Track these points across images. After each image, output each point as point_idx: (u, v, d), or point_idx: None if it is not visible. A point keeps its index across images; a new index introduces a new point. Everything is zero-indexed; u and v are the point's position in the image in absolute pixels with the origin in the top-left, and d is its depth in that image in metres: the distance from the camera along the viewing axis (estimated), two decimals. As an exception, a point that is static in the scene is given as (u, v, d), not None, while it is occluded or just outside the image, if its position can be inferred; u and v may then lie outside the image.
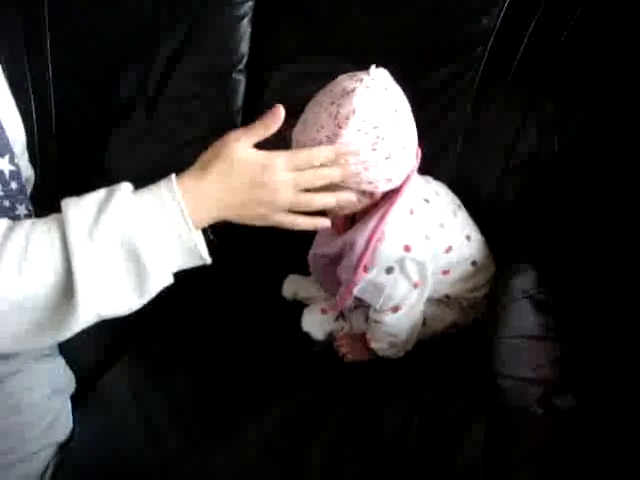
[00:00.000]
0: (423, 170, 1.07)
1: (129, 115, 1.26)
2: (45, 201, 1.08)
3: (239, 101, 1.22)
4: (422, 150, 1.08)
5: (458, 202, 0.98)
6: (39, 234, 0.59)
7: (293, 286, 1.07)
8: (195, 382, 0.89)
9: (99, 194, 0.64)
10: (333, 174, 0.71)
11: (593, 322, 0.86)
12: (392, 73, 1.08)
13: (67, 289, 0.58)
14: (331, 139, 0.73)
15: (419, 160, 0.86)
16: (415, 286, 0.86)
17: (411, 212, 0.84)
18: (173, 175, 0.66)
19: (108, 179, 1.27)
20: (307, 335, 0.99)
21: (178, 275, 1.12)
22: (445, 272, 0.92)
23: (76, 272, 0.57)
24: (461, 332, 0.98)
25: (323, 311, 1.00)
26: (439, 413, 0.84)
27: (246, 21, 1.18)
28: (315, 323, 0.99)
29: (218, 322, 1.02)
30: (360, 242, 0.81)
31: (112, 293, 0.60)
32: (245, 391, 0.87)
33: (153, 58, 1.22)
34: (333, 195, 0.71)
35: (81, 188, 1.29)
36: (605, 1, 0.97)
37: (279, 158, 0.65)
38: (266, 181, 0.64)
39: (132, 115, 1.25)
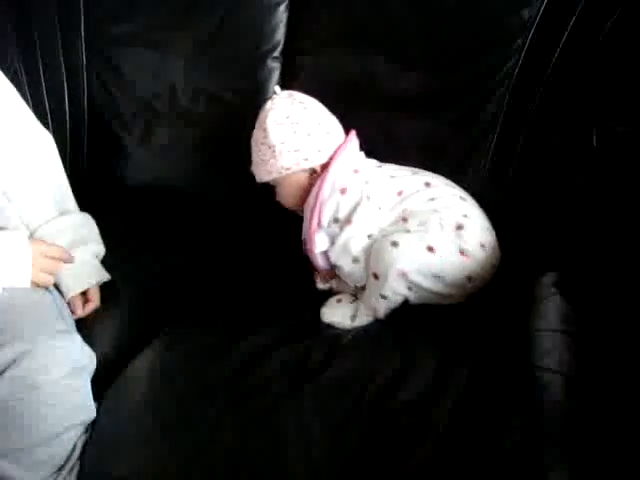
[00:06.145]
0: (459, 160, 1.09)
1: (160, 101, 1.26)
2: (76, 181, 1.09)
3: (273, 88, 1.21)
4: (459, 142, 1.10)
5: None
6: None
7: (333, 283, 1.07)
8: (227, 367, 0.87)
9: None
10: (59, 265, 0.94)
11: (627, 320, 0.84)
12: (429, 64, 1.09)
13: None
14: (269, 146, 1.00)
15: (351, 136, 1.04)
16: (367, 198, 0.96)
17: (355, 171, 1.00)
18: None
19: (135, 164, 1.30)
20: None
21: (210, 260, 1.15)
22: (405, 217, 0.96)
23: None
24: (492, 319, 0.94)
25: (338, 300, 1.01)
26: (473, 400, 0.81)
27: (282, 8, 1.18)
28: (333, 313, 0.98)
29: (250, 306, 1.01)
30: (310, 201, 0.99)
31: None
32: (278, 376, 0.86)
33: (187, 44, 1.22)
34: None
35: (109, 171, 1.32)
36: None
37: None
38: None
39: (163, 101, 1.26)
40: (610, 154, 1.00)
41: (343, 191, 0.97)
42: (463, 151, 1.10)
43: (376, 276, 0.92)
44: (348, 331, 0.95)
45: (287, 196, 1.05)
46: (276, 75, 1.21)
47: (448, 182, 1.02)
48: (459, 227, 0.93)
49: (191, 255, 1.15)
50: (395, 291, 0.92)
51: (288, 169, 1.00)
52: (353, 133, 1.05)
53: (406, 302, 0.96)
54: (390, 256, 0.90)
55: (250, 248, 1.16)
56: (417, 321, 0.95)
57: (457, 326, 0.94)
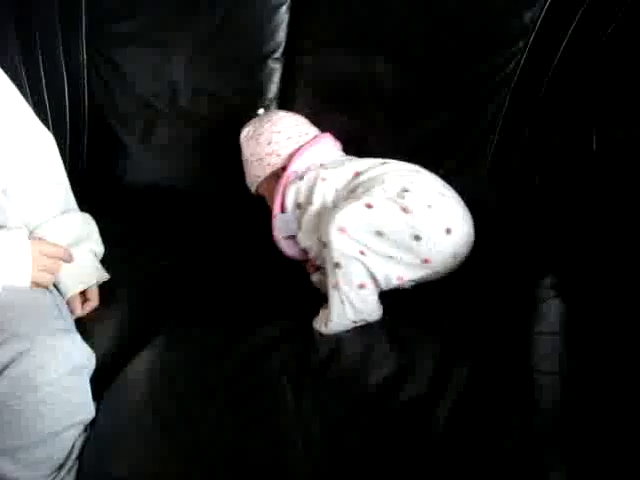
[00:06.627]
0: (459, 161, 1.10)
1: (160, 101, 1.26)
2: (75, 180, 1.09)
3: (274, 89, 1.23)
4: (460, 143, 1.10)
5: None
6: None
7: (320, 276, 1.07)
8: (227, 367, 0.87)
9: None
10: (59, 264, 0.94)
11: (626, 323, 0.85)
12: (430, 65, 1.10)
13: None
14: (245, 160, 1.14)
15: (319, 138, 1.11)
16: (322, 180, 1.02)
17: (321, 165, 1.06)
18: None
19: (135, 164, 1.30)
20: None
21: (210, 260, 1.15)
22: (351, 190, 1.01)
23: None
24: (491, 320, 0.93)
25: (324, 308, 0.99)
26: (472, 400, 0.80)
27: (284, 9, 1.19)
28: (317, 320, 0.97)
29: (250, 307, 1.01)
30: (276, 193, 1.06)
31: None
32: (278, 376, 0.85)
33: (187, 43, 1.23)
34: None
35: (109, 170, 1.31)
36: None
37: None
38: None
39: (163, 101, 1.26)
40: (610, 157, 1.01)
41: (301, 177, 1.04)
42: (463, 152, 1.10)
43: (325, 244, 0.93)
44: (347, 332, 0.95)
45: (270, 201, 1.09)
46: (277, 76, 1.22)
47: (413, 165, 1.04)
48: (404, 190, 0.94)
49: (191, 255, 1.15)
50: (344, 253, 0.90)
51: (259, 177, 1.11)
52: (323, 136, 1.12)
53: (401, 300, 0.96)
54: (330, 216, 0.92)
55: (250, 248, 1.16)
56: (417, 322, 0.94)
57: (456, 327, 0.93)
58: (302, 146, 1.08)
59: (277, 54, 1.20)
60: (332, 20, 1.16)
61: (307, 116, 1.16)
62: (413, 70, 1.10)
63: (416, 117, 1.12)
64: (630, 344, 0.82)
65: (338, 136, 1.13)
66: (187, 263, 1.13)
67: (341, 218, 0.90)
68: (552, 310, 0.92)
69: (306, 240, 1.02)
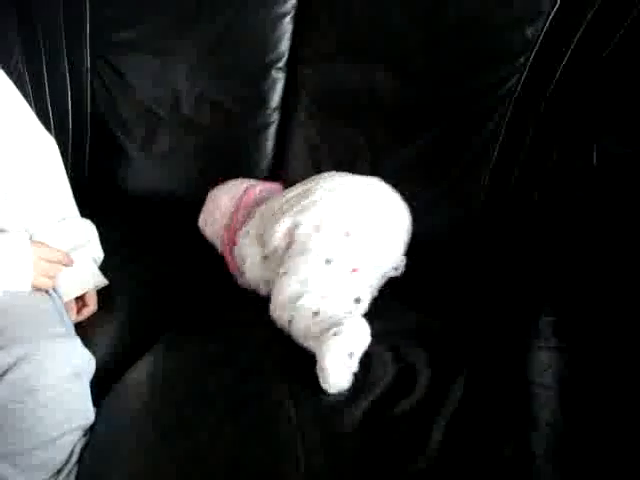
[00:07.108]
0: (459, 177, 1.10)
1: (162, 108, 1.27)
2: (77, 186, 1.09)
3: (276, 99, 1.23)
4: (460, 156, 1.11)
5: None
6: None
7: None
8: (227, 374, 0.87)
9: None
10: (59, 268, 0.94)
11: (622, 336, 0.85)
12: (431, 78, 1.11)
13: None
14: (210, 237, 1.18)
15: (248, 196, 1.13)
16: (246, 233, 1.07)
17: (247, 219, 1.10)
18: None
19: (136, 170, 1.31)
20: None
21: (210, 267, 1.14)
22: None
23: None
24: (488, 333, 0.94)
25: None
26: (469, 410, 0.80)
27: (288, 19, 1.19)
28: None
29: (250, 314, 1.00)
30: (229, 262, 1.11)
31: None
32: (278, 384, 0.85)
33: (190, 51, 1.23)
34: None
35: (110, 176, 1.32)
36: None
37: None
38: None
39: (165, 108, 1.27)
40: (610, 174, 1.01)
41: (235, 243, 1.08)
42: (464, 166, 1.11)
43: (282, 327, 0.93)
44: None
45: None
46: (280, 85, 1.22)
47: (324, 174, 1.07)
48: (295, 226, 0.98)
49: (191, 262, 1.16)
50: (283, 306, 0.92)
51: (225, 253, 1.12)
52: (247, 196, 1.14)
53: (400, 311, 0.97)
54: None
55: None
56: (415, 334, 0.95)
57: (454, 339, 0.94)
58: (235, 209, 1.13)
59: (280, 64, 1.21)
60: (333, 31, 1.17)
61: (308, 126, 1.17)
62: (413, 82, 1.11)
63: (416, 129, 1.12)
64: (628, 357, 0.82)
65: (339, 146, 1.15)
66: (187, 270, 1.13)
67: (272, 303, 0.94)
68: (548, 324, 0.93)
69: (258, 284, 1.05)
